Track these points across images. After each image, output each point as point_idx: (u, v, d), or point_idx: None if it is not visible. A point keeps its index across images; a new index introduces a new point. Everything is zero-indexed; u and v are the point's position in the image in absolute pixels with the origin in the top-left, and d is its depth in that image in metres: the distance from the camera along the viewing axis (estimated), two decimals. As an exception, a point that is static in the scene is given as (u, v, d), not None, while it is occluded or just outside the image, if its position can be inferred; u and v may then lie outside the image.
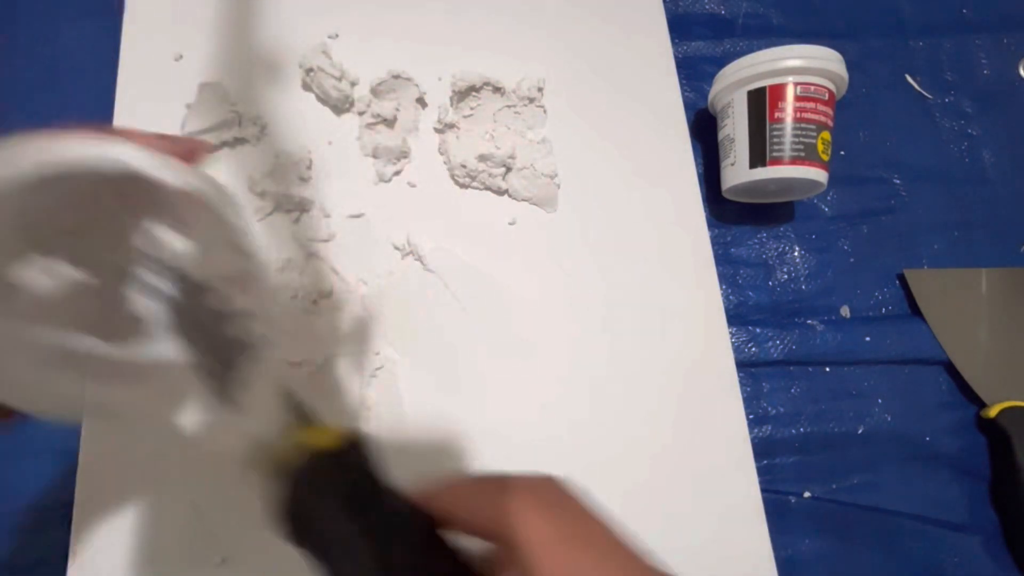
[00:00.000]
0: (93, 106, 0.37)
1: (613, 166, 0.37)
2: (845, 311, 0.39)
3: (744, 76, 0.36)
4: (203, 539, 0.28)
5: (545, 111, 0.37)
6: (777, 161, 0.35)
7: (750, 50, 0.45)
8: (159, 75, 0.35)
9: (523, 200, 0.35)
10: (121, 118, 0.35)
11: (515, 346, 0.33)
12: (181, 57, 0.36)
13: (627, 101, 0.38)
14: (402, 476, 0.29)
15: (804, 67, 0.34)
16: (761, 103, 0.35)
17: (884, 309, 0.39)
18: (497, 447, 0.31)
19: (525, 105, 0.36)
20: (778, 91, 0.35)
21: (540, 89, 0.36)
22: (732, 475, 0.32)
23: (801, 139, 0.35)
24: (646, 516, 0.30)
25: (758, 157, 0.35)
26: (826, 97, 0.35)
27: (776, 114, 0.35)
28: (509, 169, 0.35)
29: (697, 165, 0.39)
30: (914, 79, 0.44)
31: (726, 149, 0.38)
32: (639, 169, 0.37)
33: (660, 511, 0.31)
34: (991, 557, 0.34)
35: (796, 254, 0.40)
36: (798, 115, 0.35)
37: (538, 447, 0.31)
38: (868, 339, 0.38)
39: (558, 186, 0.36)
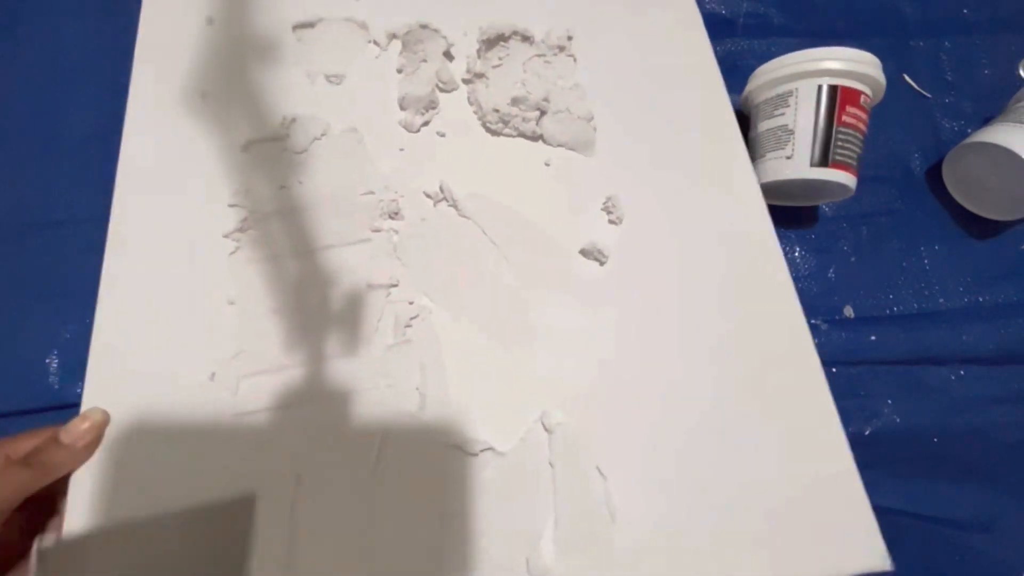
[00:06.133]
0: (97, 96, 0.37)
1: (648, 114, 0.34)
2: (848, 311, 0.39)
3: (818, 68, 0.34)
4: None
5: (575, 60, 0.36)
6: (840, 165, 0.33)
7: (750, 50, 0.44)
8: (180, 42, 0.34)
9: (559, 146, 0.33)
10: (136, 97, 0.34)
11: (564, 296, 0.30)
12: (212, 20, 0.34)
13: (658, 50, 0.36)
14: (444, 425, 0.27)
15: (869, 75, 0.33)
16: (832, 101, 0.34)
17: (888, 310, 0.39)
18: (547, 401, 0.28)
19: (555, 54, 0.35)
20: (850, 95, 0.33)
21: (570, 38, 0.35)
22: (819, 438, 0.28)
23: (854, 148, 0.34)
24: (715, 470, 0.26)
25: (821, 156, 0.33)
26: (868, 108, 0.35)
27: (844, 117, 0.33)
28: (544, 113, 0.33)
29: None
30: (913, 79, 0.44)
31: (778, 139, 0.35)
32: (675, 117, 0.34)
33: (736, 468, 0.27)
34: (993, 558, 0.34)
35: (796, 254, 0.40)
36: (857, 124, 0.34)
37: (592, 403, 0.28)
38: (873, 338, 0.38)
39: (595, 129, 0.34)
